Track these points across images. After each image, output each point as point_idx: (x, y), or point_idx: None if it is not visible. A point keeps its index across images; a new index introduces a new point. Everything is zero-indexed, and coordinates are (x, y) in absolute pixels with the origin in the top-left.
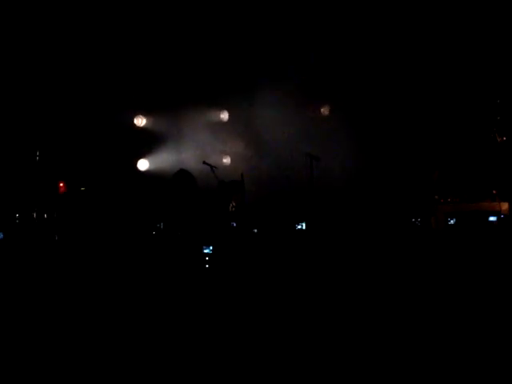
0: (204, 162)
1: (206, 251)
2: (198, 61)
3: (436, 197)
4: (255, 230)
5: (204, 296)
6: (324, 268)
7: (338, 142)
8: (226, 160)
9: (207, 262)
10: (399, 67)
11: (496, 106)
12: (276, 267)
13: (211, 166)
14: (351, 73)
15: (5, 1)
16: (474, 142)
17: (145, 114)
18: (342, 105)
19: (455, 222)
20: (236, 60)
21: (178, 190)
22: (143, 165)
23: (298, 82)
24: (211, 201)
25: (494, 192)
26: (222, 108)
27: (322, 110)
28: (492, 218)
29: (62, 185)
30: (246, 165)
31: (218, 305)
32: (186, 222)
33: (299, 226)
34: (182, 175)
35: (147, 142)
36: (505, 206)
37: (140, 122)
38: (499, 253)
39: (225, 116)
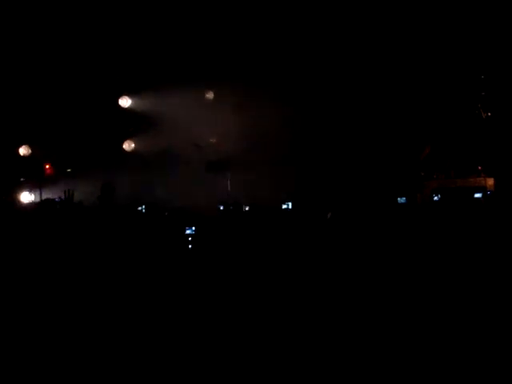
0: (195, 145)
1: (188, 232)
2: (183, 41)
3: (422, 173)
4: (247, 208)
5: (188, 281)
6: (311, 251)
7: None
8: (213, 140)
9: (190, 243)
10: (388, 47)
11: (480, 82)
12: (263, 249)
13: (199, 146)
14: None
15: None
16: (459, 118)
17: (130, 94)
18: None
19: (440, 198)
20: (221, 40)
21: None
22: (129, 145)
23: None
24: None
25: (480, 168)
26: (207, 87)
27: None
28: (477, 195)
29: (48, 167)
30: (233, 145)
31: (203, 289)
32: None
33: (285, 206)
34: None
35: (133, 123)
36: (490, 181)
37: (125, 102)
38: (485, 230)
39: (210, 95)
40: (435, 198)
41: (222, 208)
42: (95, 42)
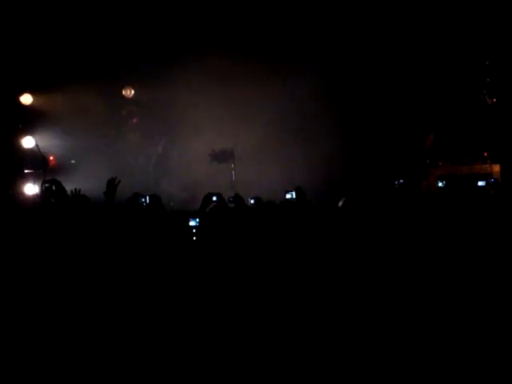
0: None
1: (192, 224)
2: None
3: (427, 161)
4: (252, 201)
5: (191, 276)
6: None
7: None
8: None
9: (194, 235)
10: (391, 34)
11: (485, 68)
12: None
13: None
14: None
15: None
16: (464, 104)
17: (134, 85)
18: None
19: (445, 185)
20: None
21: None
22: (133, 135)
23: None
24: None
25: (486, 154)
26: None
27: None
28: (481, 183)
29: (51, 158)
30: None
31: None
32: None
33: (288, 195)
34: None
35: (135, 113)
36: (496, 168)
37: (129, 93)
38: (491, 219)
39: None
40: (440, 185)
41: (215, 199)
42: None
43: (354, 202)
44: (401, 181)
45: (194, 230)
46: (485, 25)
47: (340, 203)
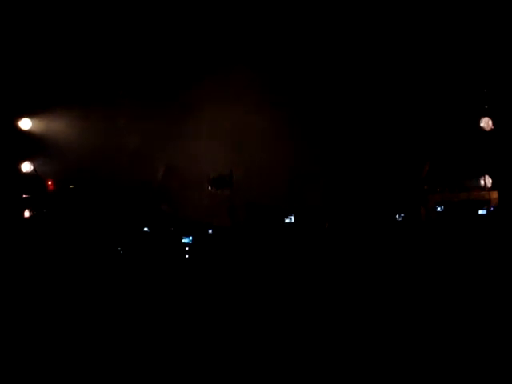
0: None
1: (185, 241)
2: None
3: (425, 187)
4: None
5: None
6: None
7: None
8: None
9: (187, 253)
10: (389, 57)
11: (483, 95)
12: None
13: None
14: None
15: None
16: (462, 131)
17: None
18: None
19: (443, 210)
20: None
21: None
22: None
23: None
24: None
25: (483, 182)
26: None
27: None
28: (481, 212)
29: (50, 183)
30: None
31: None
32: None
33: (287, 220)
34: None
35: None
36: (494, 194)
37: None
38: (490, 243)
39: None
40: (438, 209)
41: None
42: None
43: (337, 225)
44: (402, 215)
45: (187, 248)
46: (483, 52)
47: (326, 226)
